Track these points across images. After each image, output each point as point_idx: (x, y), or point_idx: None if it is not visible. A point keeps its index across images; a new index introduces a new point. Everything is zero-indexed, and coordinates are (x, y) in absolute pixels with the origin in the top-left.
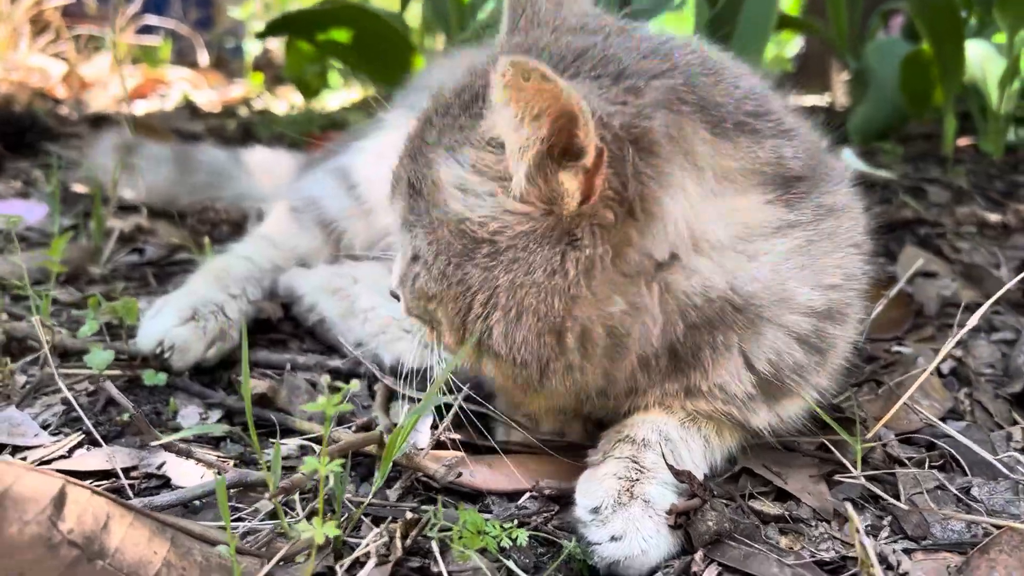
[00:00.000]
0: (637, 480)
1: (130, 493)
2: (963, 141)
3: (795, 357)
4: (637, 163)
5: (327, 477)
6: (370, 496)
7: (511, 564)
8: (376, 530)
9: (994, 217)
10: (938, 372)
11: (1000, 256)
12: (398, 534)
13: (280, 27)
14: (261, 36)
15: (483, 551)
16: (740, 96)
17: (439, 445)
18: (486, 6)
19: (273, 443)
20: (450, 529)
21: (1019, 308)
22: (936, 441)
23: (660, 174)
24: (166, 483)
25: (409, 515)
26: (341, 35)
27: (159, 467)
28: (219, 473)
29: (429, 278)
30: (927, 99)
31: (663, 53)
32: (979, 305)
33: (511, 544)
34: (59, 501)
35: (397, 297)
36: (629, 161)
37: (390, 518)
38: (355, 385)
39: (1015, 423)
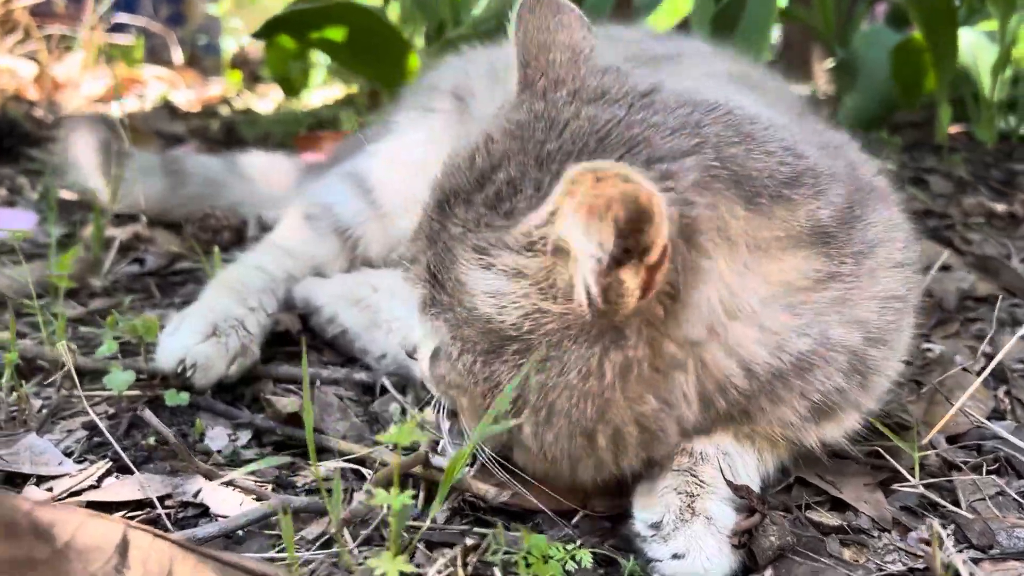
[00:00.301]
0: (697, 495)
1: (168, 524)
2: (953, 129)
3: (837, 383)
4: (686, 254)
5: (384, 506)
6: (427, 522)
7: None
8: (441, 560)
9: (1001, 207)
10: (976, 371)
11: (1011, 247)
12: (459, 562)
13: (276, 26)
14: (258, 36)
15: None
16: (775, 163)
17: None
18: (480, 1)
19: (310, 466)
20: (508, 553)
21: None
22: (985, 443)
23: (698, 262)
24: (204, 512)
25: (469, 541)
26: (335, 33)
27: (195, 495)
28: (259, 499)
29: (453, 371)
30: (918, 87)
31: (691, 125)
32: (997, 298)
33: (576, 567)
34: (123, 548)
35: (414, 359)
36: (681, 253)
37: (444, 543)
38: (428, 414)
39: None
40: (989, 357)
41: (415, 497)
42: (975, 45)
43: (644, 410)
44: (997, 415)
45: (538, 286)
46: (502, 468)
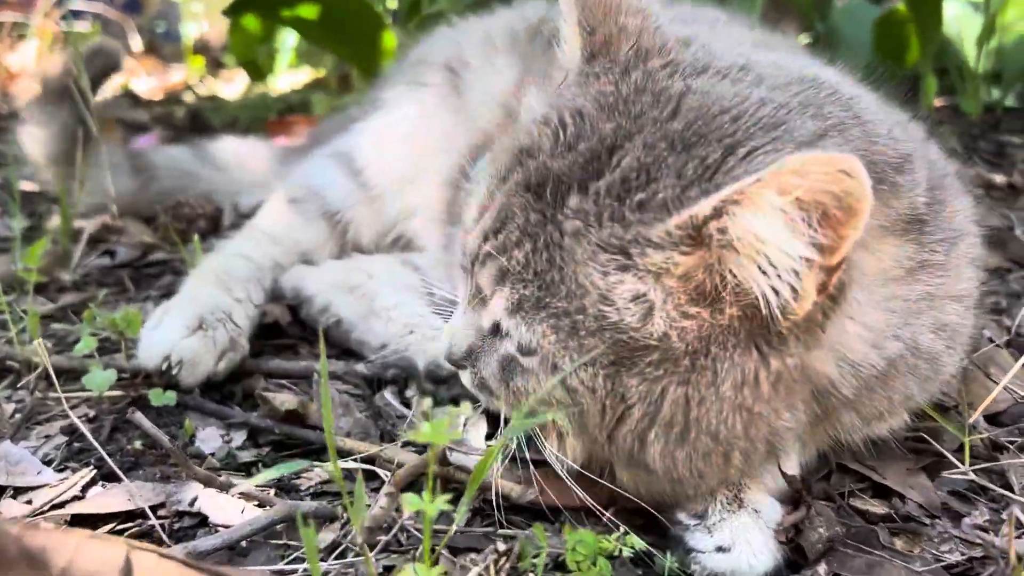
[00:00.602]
0: (744, 485)
1: (163, 536)
2: (937, 102)
3: (911, 390)
4: (851, 254)
5: (398, 509)
6: (453, 526)
7: None
8: (475, 569)
9: (1000, 178)
10: (1005, 345)
11: (1013, 218)
12: (492, 569)
13: (246, 4)
14: (227, 14)
15: None
16: (888, 147)
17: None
18: None
19: (317, 466)
20: (537, 555)
21: None
22: None
23: (857, 261)
24: (202, 521)
25: (502, 546)
26: (307, 10)
27: (191, 503)
28: (261, 505)
29: (559, 385)
30: (901, 60)
31: (813, 105)
32: (1009, 271)
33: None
34: (126, 572)
35: (459, 366)
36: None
37: (468, 548)
38: (466, 408)
39: None
40: (1007, 330)
41: (452, 502)
42: (959, 16)
43: (778, 425)
44: None
45: (686, 287)
46: (528, 464)
